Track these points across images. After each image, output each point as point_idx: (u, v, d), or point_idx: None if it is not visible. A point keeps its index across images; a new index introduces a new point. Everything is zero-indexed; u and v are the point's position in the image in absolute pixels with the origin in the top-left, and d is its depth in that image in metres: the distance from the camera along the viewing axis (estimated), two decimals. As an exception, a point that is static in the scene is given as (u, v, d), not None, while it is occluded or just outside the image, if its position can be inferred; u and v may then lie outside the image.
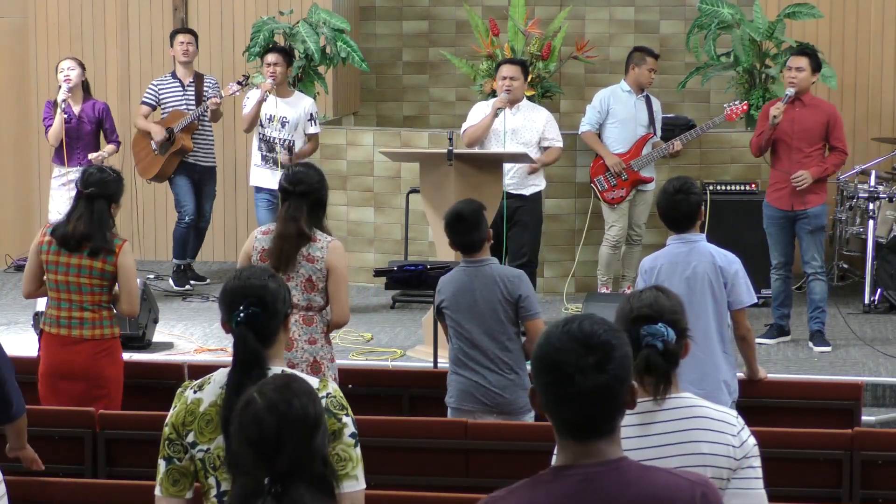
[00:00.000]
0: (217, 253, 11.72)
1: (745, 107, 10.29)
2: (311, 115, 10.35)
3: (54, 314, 6.46)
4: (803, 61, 9.19)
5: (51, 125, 10.26)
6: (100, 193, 6.40)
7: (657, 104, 10.54)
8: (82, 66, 10.39)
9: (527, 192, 9.68)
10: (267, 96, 10.09)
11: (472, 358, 6.29)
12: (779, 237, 9.30)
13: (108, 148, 10.47)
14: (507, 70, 9.62)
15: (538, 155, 9.67)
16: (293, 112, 10.25)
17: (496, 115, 9.48)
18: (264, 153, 10.31)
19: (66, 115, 10.17)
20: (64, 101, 10.14)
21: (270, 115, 10.20)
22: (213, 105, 10.65)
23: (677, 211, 6.32)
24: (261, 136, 10.31)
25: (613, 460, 2.83)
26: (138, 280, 9.23)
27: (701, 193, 6.41)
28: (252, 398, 3.12)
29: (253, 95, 10.30)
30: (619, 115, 10.30)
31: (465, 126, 9.68)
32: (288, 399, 3.10)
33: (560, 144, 9.80)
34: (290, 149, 10.14)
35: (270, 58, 10.22)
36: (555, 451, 3.70)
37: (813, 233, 9.19)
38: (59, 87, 10.22)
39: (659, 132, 10.49)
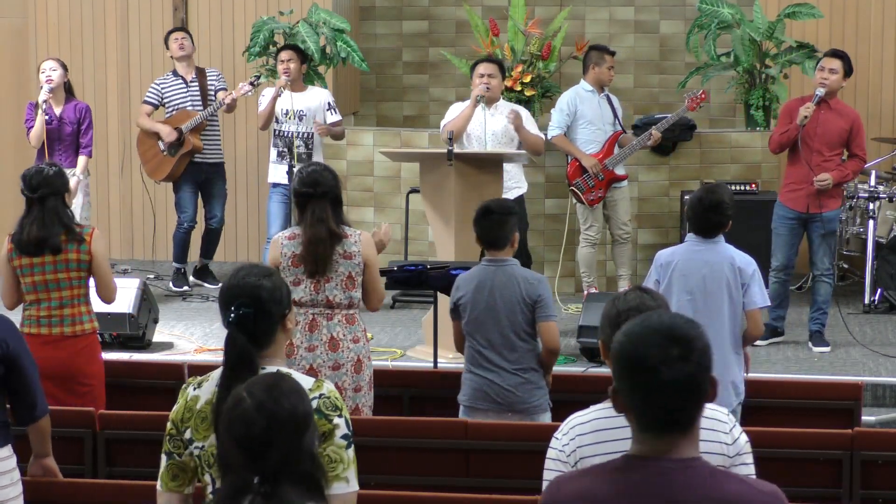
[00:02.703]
0: (220, 253, 11.69)
1: (703, 95, 10.34)
2: (329, 104, 10.39)
3: (34, 314, 6.43)
4: (837, 63, 9.11)
5: (32, 127, 10.16)
6: (49, 192, 6.37)
7: (616, 101, 10.58)
8: (64, 66, 10.27)
9: (510, 195, 9.56)
10: (282, 92, 10.12)
11: (487, 357, 6.28)
12: (787, 238, 9.25)
13: (80, 163, 10.18)
14: (483, 68, 9.58)
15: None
16: (308, 104, 10.28)
17: (477, 102, 9.43)
18: (280, 149, 10.31)
19: (47, 117, 10.09)
20: (45, 101, 10.08)
21: (286, 110, 10.21)
22: (230, 101, 10.58)
23: (705, 224, 6.35)
24: (277, 132, 10.32)
25: (687, 459, 2.84)
26: (137, 280, 9.35)
27: (733, 208, 6.38)
28: (241, 397, 3.10)
29: (268, 93, 10.31)
30: (587, 115, 10.31)
31: (443, 122, 9.62)
32: (276, 398, 3.09)
33: (542, 137, 9.78)
34: (306, 141, 10.21)
35: (284, 55, 10.27)
36: (548, 455, 3.72)
37: (825, 237, 9.16)
38: (41, 87, 10.16)
39: (623, 127, 10.54)
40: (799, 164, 9.16)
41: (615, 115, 10.45)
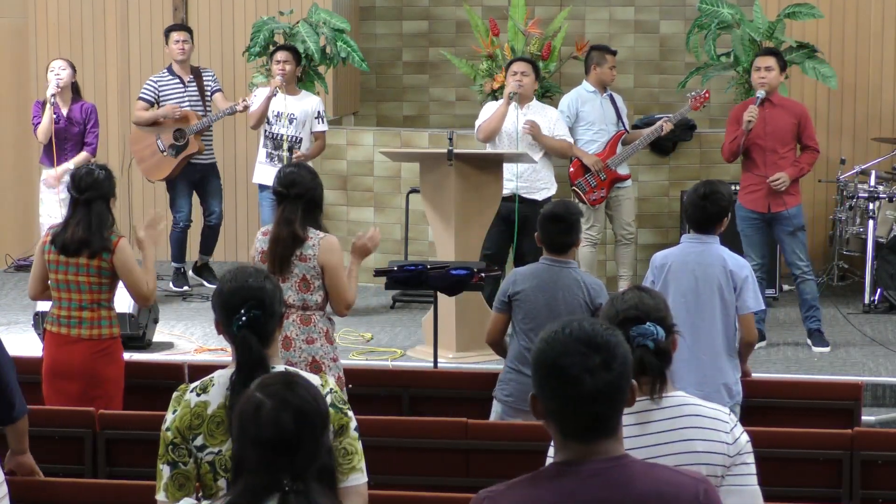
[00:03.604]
0: (216, 252, 11.70)
1: (706, 94, 10.37)
2: (319, 112, 10.38)
3: (56, 313, 6.48)
4: (771, 60, 9.22)
5: (39, 123, 10.21)
6: (96, 196, 6.39)
7: (620, 100, 10.59)
8: (73, 67, 10.35)
9: (539, 196, 9.57)
10: (276, 93, 10.11)
11: None
12: (755, 238, 9.25)
13: (79, 157, 10.12)
14: (518, 66, 9.67)
15: (545, 157, 9.69)
16: (301, 108, 10.28)
17: (511, 99, 9.47)
18: (270, 150, 10.31)
19: (55, 115, 10.12)
20: (53, 96, 10.10)
21: (278, 112, 10.20)
22: (242, 109, 10.49)
23: (702, 214, 6.34)
24: (267, 133, 10.31)
25: (617, 457, 2.86)
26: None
27: (729, 200, 6.39)
28: (259, 399, 3.07)
29: (260, 93, 10.31)
30: (588, 116, 10.32)
31: (478, 122, 9.66)
32: (300, 395, 3.09)
33: (571, 141, 9.82)
34: (290, 149, 10.16)
35: (280, 55, 10.25)
36: (549, 454, 3.72)
37: (793, 234, 9.16)
38: (49, 86, 10.19)
39: (628, 126, 10.53)
40: (754, 167, 9.21)
41: (618, 115, 10.45)
